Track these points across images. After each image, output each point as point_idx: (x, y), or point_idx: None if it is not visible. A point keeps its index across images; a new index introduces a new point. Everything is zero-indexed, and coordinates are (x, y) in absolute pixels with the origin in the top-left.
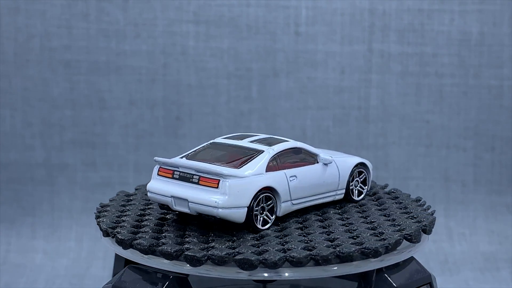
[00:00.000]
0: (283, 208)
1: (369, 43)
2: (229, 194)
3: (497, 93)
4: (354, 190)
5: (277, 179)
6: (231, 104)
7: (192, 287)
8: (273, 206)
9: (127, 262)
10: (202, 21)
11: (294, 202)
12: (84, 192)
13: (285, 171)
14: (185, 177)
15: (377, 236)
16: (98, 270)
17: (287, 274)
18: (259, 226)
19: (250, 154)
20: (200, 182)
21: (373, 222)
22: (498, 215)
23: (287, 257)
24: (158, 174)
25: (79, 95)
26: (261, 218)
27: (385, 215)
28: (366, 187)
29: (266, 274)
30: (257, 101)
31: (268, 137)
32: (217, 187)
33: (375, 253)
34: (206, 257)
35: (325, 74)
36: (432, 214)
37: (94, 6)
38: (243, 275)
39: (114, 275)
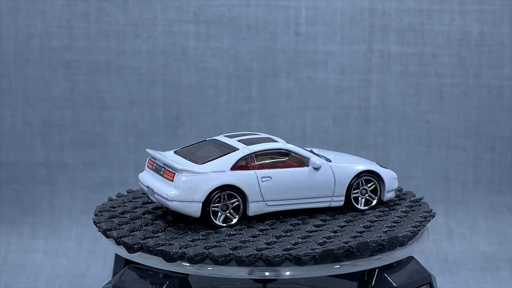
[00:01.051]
0: (254, 208)
1: (369, 43)
2: (181, 188)
3: (497, 93)
4: (360, 199)
5: (243, 178)
6: (231, 104)
7: (192, 287)
8: (238, 205)
9: (127, 262)
10: (202, 21)
11: (268, 203)
12: (84, 192)
13: (257, 171)
14: (158, 169)
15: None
16: (98, 270)
17: (287, 273)
18: (218, 223)
19: (225, 152)
20: (164, 174)
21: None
22: (498, 215)
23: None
24: (147, 165)
25: (79, 95)
26: (223, 215)
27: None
28: (377, 196)
29: (267, 273)
30: (257, 101)
31: (260, 137)
32: (172, 180)
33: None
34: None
35: (325, 74)
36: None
37: (94, 6)
38: (243, 274)
39: (114, 275)
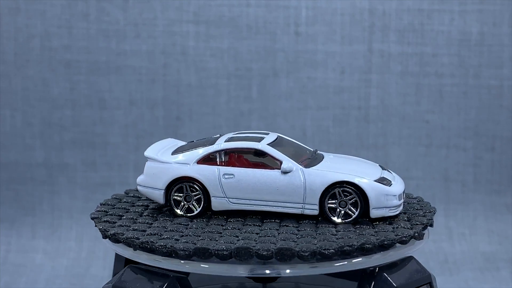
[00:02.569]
0: (217, 203)
1: (369, 43)
2: (145, 174)
3: (497, 93)
4: (338, 211)
5: (204, 172)
6: (231, 104)
7: (192, 286)
8: (200, 198)
9: (127, 262)
10: (202, 21)
11: (231, 200)
12: (84, 192)
13: (220, 167)
14: None
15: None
16: (98, 270)
17: (288, 271)
18: (179, 212)
19: (202, 146)
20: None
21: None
22: (498, 215)
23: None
24: None
25: (79, 95)
26: (186, 206)
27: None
28: (357, 211)
29: (267, 271)
30: (257, 101)
31: (252, 136)
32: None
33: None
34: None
35: (325, 74)
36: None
37: (94, 6)
38: (243, 272)
39: (114, 275)
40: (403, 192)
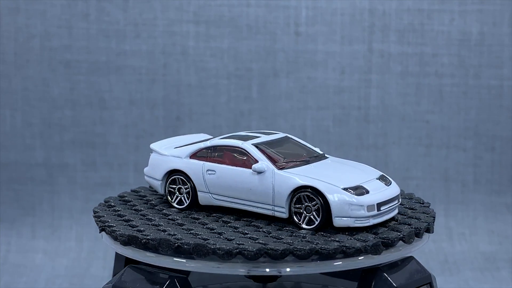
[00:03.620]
0: (202, 198)
1: (369, 43)
2: (149, 165)
3: (497, 93)
4: (304, 216)
5: (191, 166)
6: (231, 104)
7: (192, 286)
8: (189, 191)
9: (127, 262)
10: (202, 21)
11: (214, 196)
12: (84, 192)
13: (205, 163)
14: None
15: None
16: (98, 270)
17: (288, 269)
18: (172, 203)
19: (199, 142)
20: None
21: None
22: (498, 215)
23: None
24: None
25: (79, 95)
26: (179, 198)
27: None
28: (319, 218)
29: (267, 270)
30: (257, 101)
31: (249, 135)
32: None
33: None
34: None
35: (325, 74)
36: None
37: (94, 6)
38: (243, 271)
39: (114, 275)
40: (389, 202)
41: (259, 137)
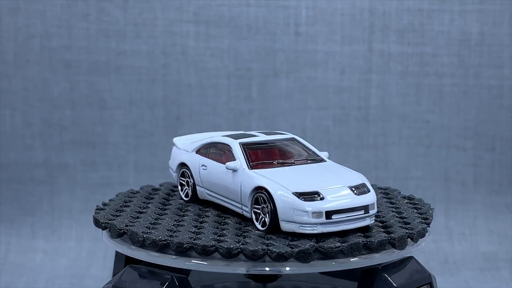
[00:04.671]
0: (199, 192)
1: (369, 43)
2: (171, 157)
3: (497, 93)
4: (260, 217)
5: (192, 161)
6: (231, 104)
7: (192, 286)
8: (193, 184)
9: (127, 262)
10: (202, 21)
11: (207, 192)
12: (84, 192)
13: (202, 158)
14: None
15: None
16: (98, 270)
17: (288, 268)
18: (182, 196)
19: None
20: None
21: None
22: (498, 215)
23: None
24: None
25: (79, 95)
26: (186, 190)
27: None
28: (269, 220)
29: (267, 268)
30: (257, 101)
31: (249, 134)
32: None
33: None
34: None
35: (325, 74)
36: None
37: (94, 6)
38: (243, 269)
39: (114, 275)
40: (347, 212)
41: (257, 136)
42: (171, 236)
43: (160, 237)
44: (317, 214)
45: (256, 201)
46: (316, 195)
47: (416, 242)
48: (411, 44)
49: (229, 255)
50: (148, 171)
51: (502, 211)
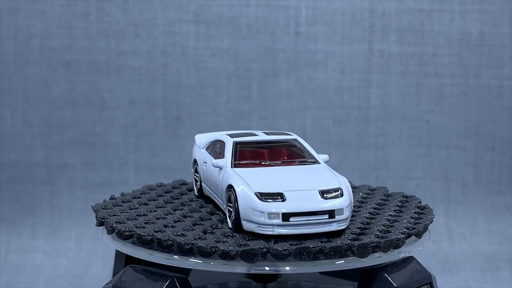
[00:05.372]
0: (203, 188)
1: (369, 43)
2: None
3: (497, 93)
4: (231, 215)
5: (200, 157)
6: (231, 104)
7: (192, 287)
8: (200, 180)
9: (127, 262)
10: (202, 21)
11: (207, 188)
12: (84, 192)
13: (206, 155)
14: None
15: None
16: (98, 270)
17: (287, 268)
18: (196, 191)
19: None
20: None
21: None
22: (498, 215)
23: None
24: None
25: (79, 95)
26: (199, 186)
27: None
28: (234, 218)
29: (267, 268)
30: (257, 101)
31: (251, 132)
32: None
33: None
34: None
35: (325, 74)
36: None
37: (94, 6)
38: (243, 269)
39: (114, 275)
40: (308, 215)
41: (257, 136)
42: (136, 226)
43: (126, 228)
44: (274, 215)
45: (229, 199)
46: (279, 197)
47: (385, 252)
48: (411, 44)
49: (180, 249)
50: (148, 171)
51: (502, 211)
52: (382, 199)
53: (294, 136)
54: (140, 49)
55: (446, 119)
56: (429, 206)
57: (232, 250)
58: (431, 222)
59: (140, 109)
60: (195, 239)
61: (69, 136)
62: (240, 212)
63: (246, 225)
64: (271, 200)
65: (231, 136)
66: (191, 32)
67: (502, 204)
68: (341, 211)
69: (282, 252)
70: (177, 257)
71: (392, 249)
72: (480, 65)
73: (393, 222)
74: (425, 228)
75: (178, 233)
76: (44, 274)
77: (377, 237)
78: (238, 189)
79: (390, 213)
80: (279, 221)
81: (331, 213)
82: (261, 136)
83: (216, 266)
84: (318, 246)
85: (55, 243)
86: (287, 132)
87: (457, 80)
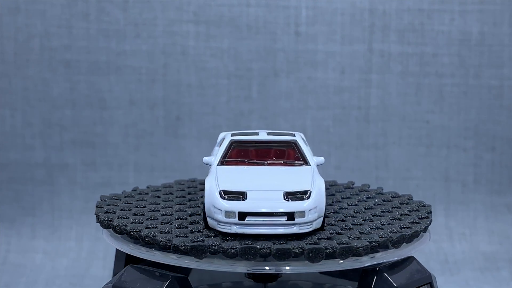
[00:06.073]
0: None
1: (369, 43)
2: None
3: (497, 93)
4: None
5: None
6: (231, 104)
7: (192, 287)
8: None
9: (127, 261)
10: (202, 21)
11: None
12: (84, 192)
13: (215, 150)
14: None
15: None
16: (98, 270)
17: (287, 267)
18: None
19: None
20: None
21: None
22: (498, 215)
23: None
24: None
25: (79, 95)
26: None
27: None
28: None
29: (267, 268)
30: (257, 101)
31: (255, 132)
32: None
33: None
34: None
35: (325, 74)
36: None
37: (94, 6)
38: (242, 268)
39: (114, 275)
40: (264, 216)
41: (257, 135)
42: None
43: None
44: (230, 213)
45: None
46: (241, 196)
47: (340, 259)
48: (411, 44)
49: (144, 242)
50: (148, 171)
51: (502, 211)
52: (378, 200)
53: (295, 138)
54: (140, 49)
55: (446, 119)
56: (424, 209)
57: (182, 245)
58: (414, 233)
59: (140, 109)
60: (161, 233)
61: (69, 136)
62: (205, 209)
63: (210, 222)
64: (231, 199)
65: (234, 134)
66: (191, 32)
67: (502, 204)
68: (302, 214)
69: (228, 251)
70: (177, 257)
71: (351, 256)
72: (480, 65)
73: (374, 227)
74: (403, 238)
75: (153, 227)
76: (44, 274)
77: (340, 243)
78: (207, 186)
79: (379, 214)
80: (235, 220)
81: (290, 215)
82: (261, 136)
83: (216, 266)
84: (265, 247)
85: (55, 243)
86: (292, 132)
87: (457, 80)
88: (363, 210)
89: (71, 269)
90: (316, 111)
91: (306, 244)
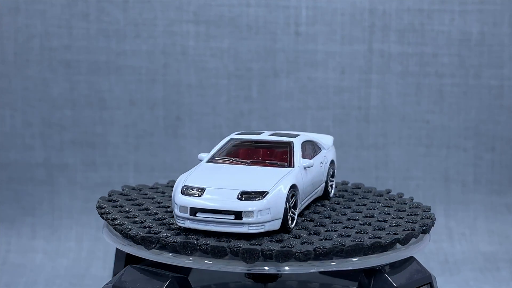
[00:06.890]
0: None
1: (369, 43)
2: None
3: (497, 93)
4: None
5: None
6: (231, 104)
7: (192, 287)
8: None
9: (127, 261)
10: (202, 21)
11: None
12: (84, 192)
13: None
14: None
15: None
16: (98, 270)
17: (287, 268)
18: None
19: None
20: None
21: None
22: (498, 215)
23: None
24: None
25: (79, 95)
26: None
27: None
28: None
29: (267, 268)
30: (257, 101)
31: (260, 131)
32: None
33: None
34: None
35: (325, 74)
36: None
37: (94, 6)
38: (242, 268)
39: (114, 275)
40: (214, 213)
41: (257, 135)
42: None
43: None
44: (184, 208)
45: None
46: (199, 191)
47: (305, 261)
48: (411, 44)
49: (123, 234)
50: (148, 171)
51: (502, 211)
52: (373, 200)
53: (292, 139)
54: (140, 49)
55: (446, 119)
56: (421, 212)
57: (136, 235)
58: (392, 240)
59: (140, 109)
60: (139, 228)
61: (69, 136)
62: (172, 204)
63: (174, 217)
64: (188, 194)
65: (240, 133)
66: (191, 32)
67: (502, 204)
68: (250, 214)
69: (170, 244)
70: (177, 256)
71: (287, 259)
72: (480, 65)
73: (351, 228)
74: (377, 246)
75: (134, 222)
76: (44, 274)
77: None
78: (177, 182)
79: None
80: (187, 215)
81: (237, 215)
82: (260, 136)
83: (216, 265)
84: (202, 244)
85: (55, 243)
86: (294, 133)
87: (457, 80)
88: (365, 210)
89: (71, 269)
90: (316, 111)
91: (254, 244)
